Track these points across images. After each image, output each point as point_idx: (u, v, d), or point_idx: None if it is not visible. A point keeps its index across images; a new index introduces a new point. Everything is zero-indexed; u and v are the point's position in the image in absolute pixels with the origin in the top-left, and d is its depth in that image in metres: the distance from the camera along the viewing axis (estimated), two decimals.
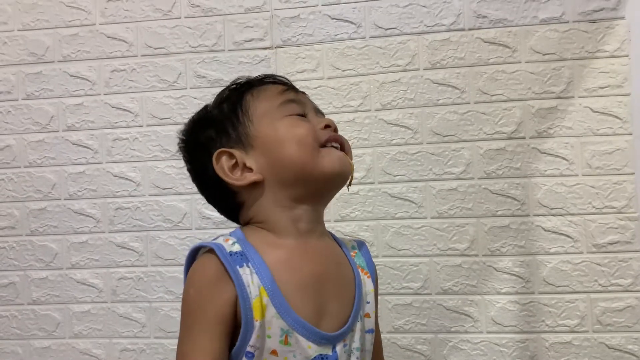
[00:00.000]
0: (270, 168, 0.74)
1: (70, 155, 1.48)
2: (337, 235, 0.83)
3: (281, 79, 0.82)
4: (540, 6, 1.33)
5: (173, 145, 1.44)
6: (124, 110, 1.47)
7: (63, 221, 1.48)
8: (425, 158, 1.36)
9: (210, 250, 0.69)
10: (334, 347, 0.71)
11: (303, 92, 0.82)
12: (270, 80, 0.81)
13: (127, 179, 1.46)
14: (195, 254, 0.73)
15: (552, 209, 1.31)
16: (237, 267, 0.68)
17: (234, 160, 0.75)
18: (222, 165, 0.75)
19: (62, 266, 1.48)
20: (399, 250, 1.36)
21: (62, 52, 1.49)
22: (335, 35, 1.40)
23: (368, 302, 0.78)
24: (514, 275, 1.32)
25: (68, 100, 1.49)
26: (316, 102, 1.37)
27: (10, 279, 1.49)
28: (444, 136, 1.35)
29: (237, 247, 0.70)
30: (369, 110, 1.38)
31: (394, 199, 1.36)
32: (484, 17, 1.35)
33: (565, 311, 1.30)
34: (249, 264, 0.69)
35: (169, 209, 1.44)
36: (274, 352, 0.68)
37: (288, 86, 0.80)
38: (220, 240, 0.71)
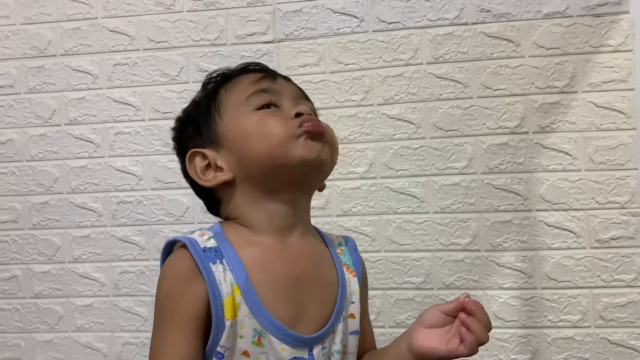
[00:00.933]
0: (239, 165, 0.71)
1: (72, 149, 1.48)
2: (327, 231, 0.80)
3: (260, 66, 0.77)
4: (543, 0, 1.32)
5: None
6: (126, 104, 1.46)
7: (65, 215, 1.48)
8: (427, 153, 1.35)
9: (184, 245, 0.66)
10: (310, 350, 0.68)
11: (286, 78, 0.77)
12: (248, 69, 0.77)
13: (129, 173, 1.46)
14: (170, 247, 0.70)
15: (554, 204, 1.31)
16: (210, 263, 0.65)
17: (206, 161, 0.73)
18: (195, 166, 0.72)
19: (65, 260, 1.48)
20: (401, 245, 1.35)
21: (64, 46, 1.49)
22: (338, 29, 1.39)
23: (353, 302, 0.74)
24: (516, 270, 1.32)
25: (70, 94, 1.49)
26: (318, 97, 1.39)
27: (13, 272, 1.50)
28: (447, 131, 1.35)
29: (212, 243, 0.67)
30: (372, 105, 1.37)
31: (396, 193, 1.36)
32: (488, 11, 1.34)
33: (568, 306, 1.30)
34: (223, 261, 0.66)
35: (171, 203, 1.44)
36: (245, 353, 0.65)
37: (265, 74, 0.75)
38: (195, 235, 0.68)
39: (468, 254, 1.33)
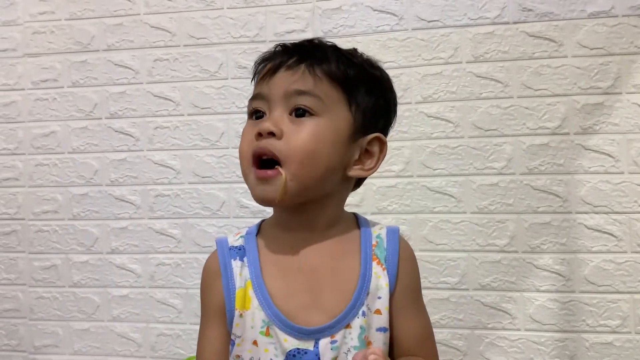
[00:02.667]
0: None
1: (112, 143, 1.52)
2: (375, 219, 0.79)
3: (269, 57, 0.73)
4: (588, 0, 1.30)
5: (213, 134, 1.46)
6: (166, 99, 1.49)
7: (104, 207, 1.52)
8: (466, 152, 1.34)
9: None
10: (316, 342, 0.68)
11: (294, 64, 0.70)
12: (267, 58, 0.74)
13: (167, 166, 1.48)
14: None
15: (595, 206, 1.29)
16: (232, 260, 0.72)
17: None
18: None
19: (102, 251, 1.51)
20: (436, 244, 1.35)
21: (107, 41, 1.52)
22: (377, 27, 1.39)
23: (379, 298, 0.70)
24: (554, 273, 1.30)
25: (111, 88, 1.52)
26: None
27: (53, 261, 1.53)
28: (486, 130, 1.33)
29: (239, 242, 0.74)
30: (410, 103, 1.37)
31: (432, 192, 1.35)
32: (530, 10, 1.32)
33: (607, 311, 1.27)
34: (244, 258, 0.72)
35: (207, 197, 1.46)
36: (255, 343, 0.69)
37: (265, 71, 0.72)
38: (230, 235, 0.76)
39: (505, 255, 1.32)
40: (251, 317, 0.69)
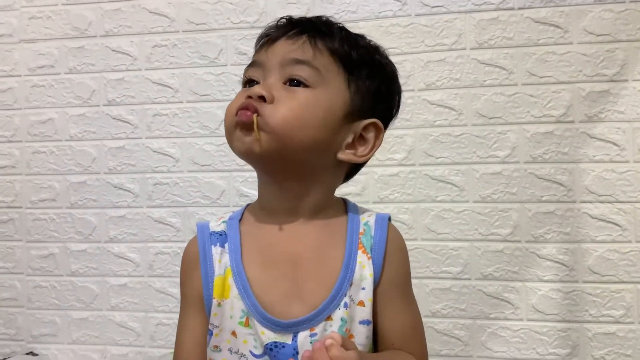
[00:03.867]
0: None
1: (110, 130, 1.49)
2: (366, 207, 0.76)
3: (272, 27, 0.71)
4: None
5: (213, 121, 1.44)
6: (165, 85, 1.47)
7: (102, 195, 1.50)
8: (469, 140, 1.32)
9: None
10: (295, 335, 0.64)
11: (296, 34, 0.68)
12: (271, 29, 0.71)
13: (166, 154, 1.47)
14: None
15: (600, 195, 1.27)
16: (212, 246, 0.68)
17: None
18: None
19: (101, 239, 1.50)
20: (438, 234, 1.33)
21: (105, 27, 1.50)
22: (380, 12, 1.37)
23: (363, 289, 0.66)
24: (557, 262, 1.28)
25: (109, 75, 1.50)
26: None
27: (50, 250, 1.52)
28: (490, 118, 1.31)
29: (221, 227, 0.70)
30: (412, 90, 1.35)
31: (435, 181, 1.34)
32: None
33: (611, 301, 1.26)
34: (225, 245, 0.68)
35: (207, 185, 1.44)
36: (233, 333, 0.66)
37: (265, 39, 0.70)
38: (213, 220, 0.72)
39: (508, 245, 1.30)
40: (230, 306, 0.66)
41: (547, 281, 1.29)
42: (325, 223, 0.70)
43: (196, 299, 0.68)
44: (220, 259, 0.67)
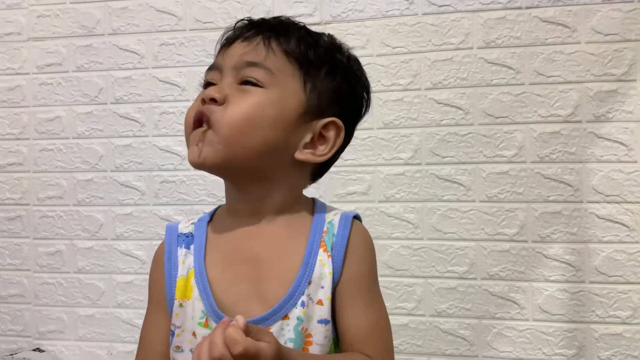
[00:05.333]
0: None
1: (117, 128, 1.50)
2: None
3: (231, 30, 0.71)
4: None
5: None
6: (172, 84, 1.47)
7: (109, 193, 1.50)
8: (476, 140, 1.32)
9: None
10: None
11: (250, 36, 0.68)
12: (223, 34, 0.72)
13: (173, 152, 1.47)
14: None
15: (607, 196, 1.26)
16: (178, 247, 0.70)
17: None
18: None
19: (107, 237, 1.51)
20: (444, 233, 1.33)
21: (112, 25, 1.50)
22: (387, 11, 1.37)
23: (322, 287, 0.65)
24: (564, 263, 1.28)
25: (117, 73, 1.50)
26: None
27: (58, 247, 1.53)
28: (497, 118, 1.31)
29: (189, 229, 0.72)
30: (419, 89, 1.35)
31: (441, 180, 1.33)
32: None
33: (618, 302, 1.25)
34: (190, 246, 0.69)
35: (213, 183, 1.44)
36: (194, 334, 0.66)
37: (224, 43, 0.70)
38: (183, 221, 0.73)
39: (514, 245, 1.30)
40: (192, 307, 0.66)
41: (553, 281, 1.28)
42: (288, 223, 0.70)
43: (160, 299, 0.70)
44: (184, 260, 0.69)
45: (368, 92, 0.75)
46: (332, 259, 0.66)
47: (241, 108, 0.65)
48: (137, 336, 1.48)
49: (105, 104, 1.51)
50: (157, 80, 1.48)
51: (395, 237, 1.35)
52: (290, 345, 0.64)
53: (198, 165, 0.66)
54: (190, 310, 0.66)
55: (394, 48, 1.36)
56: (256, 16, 1.44)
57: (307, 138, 0.69)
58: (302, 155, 0.68)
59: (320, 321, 0.65)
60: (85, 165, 1.52)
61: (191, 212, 1.45)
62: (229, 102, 0.65)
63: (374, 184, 1.37)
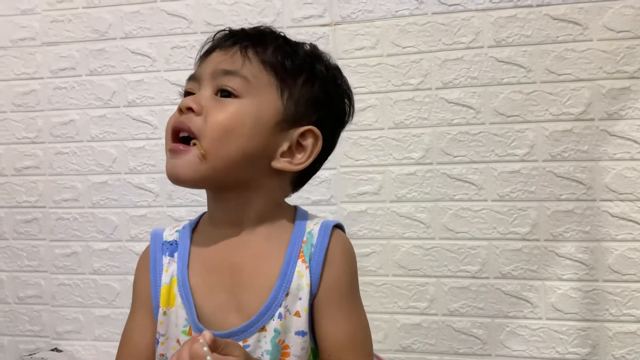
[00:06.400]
0: None
1: (130, 131, 1.52)
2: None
3: (212, 39, 0.72)
4: None
5: None
6: (184, 87, 1.48)
7: (123, 195, 1.52)
8: (487, 139, 1.32)
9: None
10: None
11: (228, 45, 0.69)
12: (203, 45, 0.73)
13: None
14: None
15: (620, 194, 1.26)
16: (162, 255, 0.70)
17: None
18: None
19: (122, 238, 1.52)
20: (456, 232, 1.33)
21: (124, 29, 1.52)
22: (396, 11, 1.37)
23: (300, 299, 0.65)
24: (577, 261, 1.28)
25: (129, 76, 1.52)
26: (374, 80, 1.37)
27: (73, 248, 1.55)
28: (508, 116, 1.31)
29: (174, 236, 0.72)
30: (430, 89, 1.35)
31: (453, 180, 1.33)
32: None
33: (632, 300, 1.25)
34: (174, 254, 0.70)
35: None
36: (178, 342, 0.67)
37: (203, 52, 0.72)
38: (167, 228, 0.74)
39: (527, 244, 1.30)
40: (175, 314, 0.67)
41: (566, 280, 1.28)
42: (268, 233, 0.69)
43: (145, 304, 0.70)
44: (168, 268, 0.69)
45: (350, 99, 0.75)
46: (309, 270, 0.66)
47: (219, 119, 0.65)
48: None
49: (118, 107, 1.53)
50: (168, 83, 1.49)
51: (407, 237, 1.35)
52: (267, 357, 0.64)
53: (182, 179, 0.66)
54: (174, 318, 0.67)
55: (404, 48, 1.36)
56: (266, 19, 1.46)
57: (285, 147, 0.68)
58: (279, 163, 0.68)
59: (297, 333, 0.65)
60: (100, 167, 1.54)
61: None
62: (206, 113, 0.65)
63: (385, 184, 1.37)
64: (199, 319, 0.66)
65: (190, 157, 0.64)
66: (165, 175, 1.52)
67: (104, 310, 1.53)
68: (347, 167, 1.39)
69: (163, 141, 1.47)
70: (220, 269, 0.68)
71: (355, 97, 1.37)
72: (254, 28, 0.73)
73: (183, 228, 0.73)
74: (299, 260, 0.66)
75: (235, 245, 0.69)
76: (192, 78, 0.70)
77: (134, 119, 1.52)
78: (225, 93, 0.66)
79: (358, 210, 1.38)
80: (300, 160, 0.69)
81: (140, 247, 1.51)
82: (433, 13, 1.35)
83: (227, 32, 0.72)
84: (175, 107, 1.54)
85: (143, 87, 1.51)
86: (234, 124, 0.65)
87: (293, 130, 0.69)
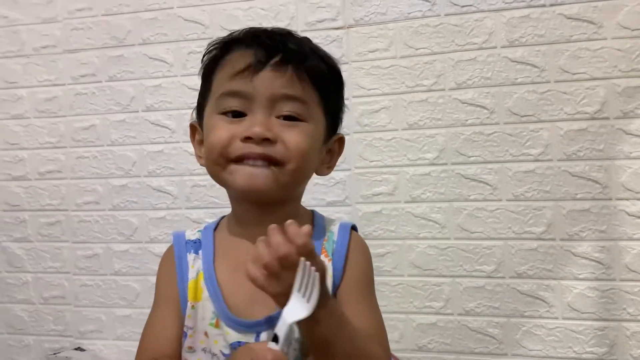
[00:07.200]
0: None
1: (149, 135, 1.55)
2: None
3: (255, 43, 0.69)
4: None
5: None
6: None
7: (142, 197, 1.56)
8: (501, 139, 1.32)
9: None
10: (257, 335, 0.67)
11: (279, 63, 0.67)
12: (242, 45, 0.70)
13: None
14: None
15: (637, 192, 1.25)
16: (187, 253, 0.73)
17: (201, 137, 0.74)
18: (194, 138, 0.76)
19: (142, 240, 1.56)
20: (471, 232, 1.34)
21: (142, 36, 1.55)
22: (409, 13, 1.38)
23: None
24: (593, 260, 1.27)
25: (147, 81, 1.55)
26: (387, 82, 1.38)
27: (95, 250, 1.59)
28: (522, 116, 1.31)
29: (196, 236, 0.75)
30: (443, 90, 1.35)
31: (467, 180, 1.34)
32: None
33: None
34: (199, 252, 0.73)
35: None
36: (205, 334, 0.69)
37: (249, 64, 0.67)
38: (189, 230, 0.77)
39: (542, 243, 1.30)
40: (202, 308, 0.70)
41: (582, 279, 1.28)
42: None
43: (169, 301, 0.72)
44: (194, 264, 0.72)
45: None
46: (332, 264, 0.70)
47: (299, 144, 0.68)
48: None
49: (137, 111, 1.56)
50: (185, 88, 1.52)
51: (422, 237, 1.36)
52: (295, 345, 0.67)
53: (258, 190, 0.67)
54: (201, 312, 0.70)
55: (417, 49, 1.37)
56: (280, 23, 1.48)
57: (324, 156, 0.75)
58: (323, 172, 0.76)
59: None
60: (120, 171, 1.57)
61: (221, 215, 1.49)
62: (282, 140, 0.67)
63: (400, 185, 1.38)
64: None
65: (270, 172, 0.67)
66: (183, 178, 1.56)
67: (125, 310, 1.57)
68: (361, 168, 1.40)
69: (181, 144, 1.51)
70: (244, 263, 0.69)
71: (369, 99, 1.40)
72: (287, 36, 0.72)
73: (204, 229, 0.76)
74: (322, 255, 0.70)
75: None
76: (238, 95, 0.68)
77: (152, 123, 1.55)
78: (290, 118, 0.68)
79: (373, 211, 1.39)
80: (332, 164, 0.76)
81: (160, 248, 1.54)
82: (446, 14, 1.36)
83: (258, 41, 0.70)
84: (192, 111, 1.55)
85: (161, 92, 1.54)
86: (309, 148, 0.69)
87: (329, 141, 0.75)
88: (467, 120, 1.34)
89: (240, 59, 0.69)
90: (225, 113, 0.69)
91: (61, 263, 1.62)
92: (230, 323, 0.68)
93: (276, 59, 0.68)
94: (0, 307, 1.66)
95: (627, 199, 1.26)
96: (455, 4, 1.35)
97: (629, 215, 1.26)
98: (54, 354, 1.56)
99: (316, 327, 0.59)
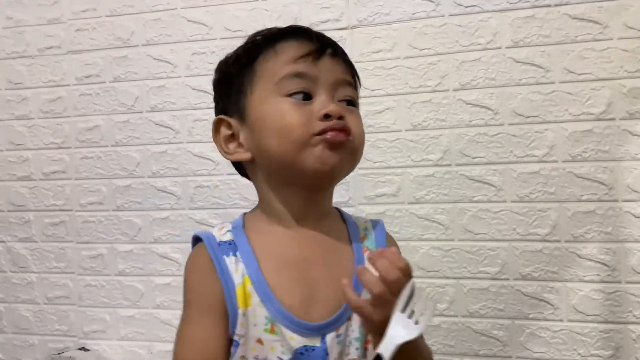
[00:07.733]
0: (257, 149, 0.70)
1: (153, 135, 1.55)
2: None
3: (308, 34, 0.71)
4: None
5: None
6: (204, 91, 1.51)
7: (146, 198, 1.56)
8: (506, 140, 1.31)
9: (203, 241, 0.70)
10: (323, 338, 0.66)
11: (334, 52, 0.70)
12: (296, 34, 0.71)
13: (206, 158, 1.51)
14: (196, 242, 0.73)
15: None
16: (224, 256, 0.67)
17: (231, 131, 0.71)
18: (220, 134, 0.72)
19: (145, 240, 1.56)
20: (476, 234, 1.33)
21: (146, 36, 1.56)
22: (413, 14, 1.37)
23: None
24: (599, 262, 1.26)
25: (151, 82, 1.55)
26: (392, 82, 1.38)
27: (99, 251, 1.59)
28: (527, 117, 1.30)
29: (228, 236, 0.70)
30: (447, 90, 1.35)
31: (472, 181, 1.33)
32: None
33: None
34: (237, 253, 0.68)
35: (245, 187, 1.48)
36: (259, 341, 0.66)
37: (309, 49, 0.69)
38: (215, 230, 0.72)
39: (547, 245, 1.29)
40: (252, 314, 0.66)
41: (588, 281, 1.27)
42: (328, 229, 0.73)
43: (211, 310, 0.66)
44: (236, 268, 0.67)
45: None
46: None
47: (360, 128, 0.71)
48: None
49: (141, 112, 1.56)
50: (189, 89, 1.52)
51: (426, 239, 1.35)
52: (356, 344, 0.68)
53: (336, 174, 0.70)
54: (252, 318, 0.66)
55: (421, 50, 1.37)
56: (284, 24, 1.47)
57: None
58: None
59: None
60: (124, 171, 1.58)
61: (225, 216, 1.49)
62: (347, 120, 0.69)
63: (404, 186, 1.37)
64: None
65: (347, 155, 0.69)
66: (187, 179, 1.56)
67: (129, 310, 1.57)
68: (365, 169, 1.40)
69: (185, 145, 1.51)
70: (293, 264, 0.69)
71: (373, 100, 1.39)
72: (322, 34, 0.73)
73: (233, 228, 0.71)
74: (366, 254, 0.71)
75: (304, 240, 0.70)
76: (304, 76, 0.68)
77: (156, 124, 1.55)
78: (348, 102, 0.71)
79: (376, 212, 1.38)
80: None
81: (164, 248, 1.54)
82: (450, 15, 1.35)
83: (310, 32, 0.71)
84: (197, 112, 1.57)
85: (165, 92, 1.54)
86: (363, 131, 0.72)
87: None
88: (471, 121, 1.33)
89: (298, 46, 0.69)
90: (291, 95, 0.68)
91: (65, 263, 1.62)
92: (294, 327, 0.65)
93: (329, 49, 0.71)
94: (5, 307, 1.67)
95: (633, 201, 1.25)
96: (459, 5, 1.34)
97: (635, 217, 1.24)
98: (58, 353, 1.56)
99: (411, 345, 0.60)
